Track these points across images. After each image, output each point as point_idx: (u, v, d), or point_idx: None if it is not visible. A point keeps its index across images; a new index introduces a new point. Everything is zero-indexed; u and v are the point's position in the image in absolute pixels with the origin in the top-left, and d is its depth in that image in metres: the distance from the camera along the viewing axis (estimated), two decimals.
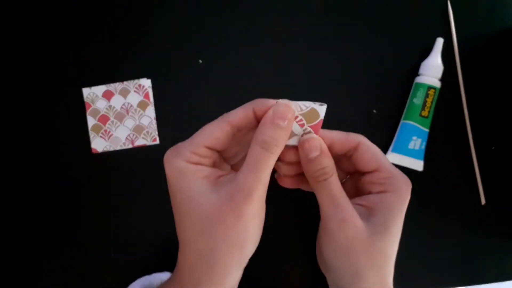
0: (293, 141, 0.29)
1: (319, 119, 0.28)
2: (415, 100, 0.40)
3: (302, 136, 0.29)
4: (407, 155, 0.40)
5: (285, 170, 0.31)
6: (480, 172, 0.40)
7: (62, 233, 0.40)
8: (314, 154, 0.28)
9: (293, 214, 0.40)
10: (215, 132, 0.27)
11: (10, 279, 0.40)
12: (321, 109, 0.28)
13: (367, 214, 0.29)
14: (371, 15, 0.41)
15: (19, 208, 0.40)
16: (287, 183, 0.32)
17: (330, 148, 0.30)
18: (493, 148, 0.41)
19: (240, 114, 0.27)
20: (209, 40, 0.41)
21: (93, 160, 0.40)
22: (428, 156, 0.40)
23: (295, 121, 0.28)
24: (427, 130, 0.40)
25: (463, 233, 0.41)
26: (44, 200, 0.40)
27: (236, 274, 0.28)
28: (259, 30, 0.41)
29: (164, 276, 0.35)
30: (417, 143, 0.39)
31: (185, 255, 0.27)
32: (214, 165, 0.28)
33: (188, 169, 0.26)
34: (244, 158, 0.31)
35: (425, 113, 0.39)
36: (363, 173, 0.31)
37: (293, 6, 0.41)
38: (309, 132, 0.29)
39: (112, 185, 0.40)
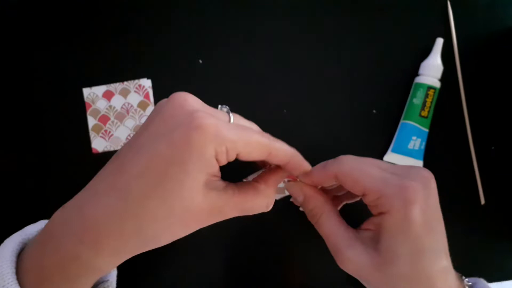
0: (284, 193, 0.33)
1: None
2: (414, 100, 0.40)
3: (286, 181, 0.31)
4: (406, 155, 0.40)
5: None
6: (479, 172, 0.40)
7: None
8: (300, 199, 0.30)
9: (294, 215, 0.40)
10: (254, 152, 0.24)
11: None
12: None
13: (373, 239, 0.27)
14: (370, 15, 0.42)
15: (19, 208, 0.40)
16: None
17: (319, 185, 0.31)
18: (492, 148, 0.41)
19: (280, 157, 0.26)
20: (209, 40, 0.41)
21: (93, 160, 0.40)
22: (428, 156, 0.40)
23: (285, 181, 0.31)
24: (426, 130, 0.40)
25: (462, 233, 0.41)
26: (45, 200, 0.40)
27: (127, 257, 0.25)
28: (259, 30, 0.41)
29: (40, 225, 0.30)
30: (417, 143, 0.39)
31: (124, 219, 0.22)
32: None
33: (209, 161, 0.23)
34: None
35: (424, 113, 0.39)
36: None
37: (293, 6, 0.41)
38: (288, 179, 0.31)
39: None
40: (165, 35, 0.41)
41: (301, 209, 0.33)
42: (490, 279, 0.41)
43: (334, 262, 0.40)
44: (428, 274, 0.26)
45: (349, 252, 0.27)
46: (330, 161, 0.29)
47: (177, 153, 0.22)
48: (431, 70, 0.39)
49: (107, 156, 0.40)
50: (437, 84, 0.40)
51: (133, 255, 0.24)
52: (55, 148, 0.40)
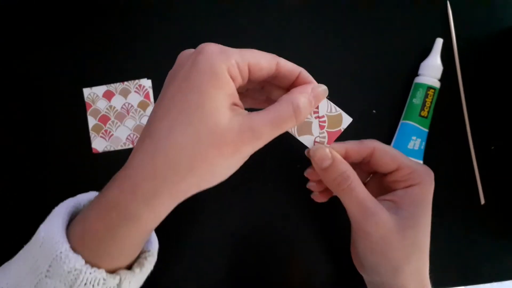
0: (304, 139, 0.30)
1: (338, 128, 0.29)
2: (414, 100, 0.40)
3: (314, 143, 0.30)
4: (406, 155, 0.39)
5: (315, 188, 0.33)
6: (479, 172, 0.41)
7: None
8: (327, 163, 0.29)
9: (293, 214, 0.41)
10: (262, 61, 0.25)
11: None
12: (347, 119, 0.29)
13: (396, 208, 0.30)
14: (370, 15, 0.42)
15: (20, 208, 0.40)
16: (320, 198, 0.34)
17: (345, 158, 0.31)
18: (492, 148, 0.41)
19: (289, 67, 0.27)
20: (209, 40, 0.41)
21: (93, 160, 0.40)
22: (428, 156, 0.40)
23: (318, 119, 0.29)
24: (426, 130, 0.40)
25: (462, 233, 0.41)
26: (45, 200, 0.40)
27: (192, 194, 0.25)
28: (259, 30, 0.41)
29: (91, 195, 0.30)
30: (417, 143, 0.39)
31: (153, 160, 0.23)
32: (239, 88, 0.26)
33: (223, 77, 0.23)
34: (258, 96, 0.31)
35: (424, 113, 0.39)
36: (385, 174, 0.32)
37: (293, 7, 0.41)
38: (323, 138, 0.29)
39: None
40: (165, 35, 0.41)
41: (311, 187, 0.32)
42: (490, 279, 0.41)
43: (333, 261, 0.40)
44: (428, 249, 0.31)
45: (378, 216, 0.28)
46: (364, 140, 0.32)
47: (191, 80, 0.23)
48: (431, 70, 0.39)
49: (107, 156, 0.40)
50: (437, 84, 0.40)
51: (175, 199, 0.24)
52: (56, 148, 0.40)
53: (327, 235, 0.40)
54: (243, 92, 0.30)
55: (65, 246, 0.24)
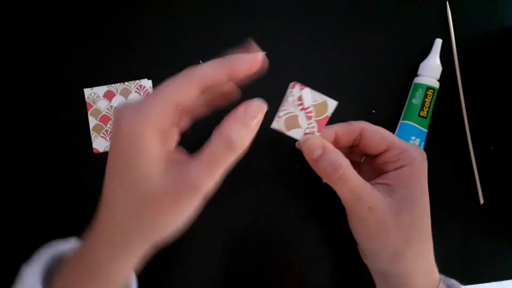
0: (293, 133, 0.29)
1: (326, 114, 0.28)
2: (414, 101, 0.40)
3: (304, 134, 0.29)
4: None
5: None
6: (478, 172, 0.41)
7: (63, 233, 0.40)
8: (318, 152, 0.28)
9: (293, 212, 0.41)
10: (182, 92, 0.23)
11: (10, 279, 0.40)
12: (332, 104, 0.28)
13: (389, 191, 0.29)
14: (369, 15, 0.42)
15: (20, 208, 0.40)
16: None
17: (336, 141, 0.30)
18: (491, 148, 0.41)
19: (210, 75, 0.24)
20: (209, 40, 0.41)
21: (94, 160, 0.40)
22: (427, 156, 0.40)
23: (304, 111, 0.28)
24: (425, 130, 0.40)
25: (461, 233, 0.41)
26: (45, 200, 0.40)
27: (150, 249, 0.26)
28: (259, 30, 0.41)
29: (68, 244, 0.32)
30: (416, 143, 0.40)
31: (107, 223, 0.25)
32: (174, 120, 0.25)
33: (147, 136, 0.22)
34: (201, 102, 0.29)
35: (423, 113, 0.39)
36: (375, 155, 0.31)
37: (292, 7, 0.42)
38: (312, 128, 0.29)
39: None
40: (166, 35, 0.41)
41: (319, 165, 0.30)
42: (490, 279, 0.41)
43: (333, 261, 0.40)
44: (429, 231, 0.30)
45: (373, 200, 0.28)
46: (353, 121, 0.31)
47: (117, 152, 0.24)
48: (430, 70, 0.40)
49: (108, 156, 0.40)
50: (436, 84, 0.40)
51: (132, 254, 0.25)
52: (56, 148, 0.40)
53: (327, 235, 0.40)
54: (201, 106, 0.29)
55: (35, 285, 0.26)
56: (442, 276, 0.31)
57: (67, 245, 0.31)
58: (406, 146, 0.30)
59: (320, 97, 0.28)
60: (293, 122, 0.29)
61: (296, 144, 0.30)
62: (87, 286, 0.25)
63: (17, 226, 0.40)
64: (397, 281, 0.30)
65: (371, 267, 0.34)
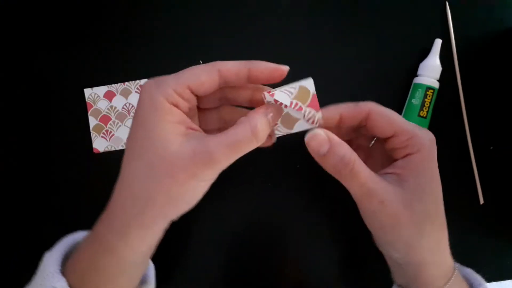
0: (298, 127, 0.28)
1: (311, 95, 0.27)
2: (413, 101, 0.40)
3: (307, 121, 0.28)
4: None
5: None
6: (478, 172, 0.41)
7: (63, 233, 0.40)
8: (325, 148, 0.27)
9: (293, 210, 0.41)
10: (202, 76, 0.26)
11: (10, 279, 0.40)
12: (309, 83, 0.27)
13: (399, 181, 0.28)
14: (369, 16, 0.42)
15: (20, 208, 0.40)
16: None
17: (341, 122, 0.29)
18: (491, 148, 0.41)
19: (233, 67, 0.26)
20: (209, 40, 0.41)
21: (94, 160, 0.40)
22: None
23: (290, 107, 0.27)
24: None
25: (461, 233, 0.41)
26: (46, 200, 0.40)
27: (163, 225, 0.27)
28: (259, 30, 0.41)
29: (82, 234, 0.33)
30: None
31: (122, 195, 0.26)
32: (189, 110, 0.27)
33: (163, 107, 0.25)
34: (218, 119, 0.31)
35: (423, 113, 0.39)
36: (384, 140, 0.30)
37: (293, 7, 0.42)
38: (310, 113, 0.27)
39: (113, 185, 0.40)
40: (166, 35, 0.41)
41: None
42: (489, 279, 0.41)
43: (333, 261, 0.40)
44: (443, 217, 0.29)
45: (383, 194, 0.27)
46: (361, 102, 0.30)
47: (138, 118, 0.25)
48: (430, 70, 0.40)
49: (108, 156, 0.40)
50: (436, 84, 0.40)
51: (146, 230, 0.26)
52: (57, 148, 0.40)
53: (327, 235, 0.40)
54: (211, 110, 0.31)
55: (54, 267, 0.27)
56: (458, 264, 0.31)
57: (86, 234, 0.31)
58: (415, 131, 0.28)
59: (294, 87, 0.27)
60: (289, 119, 0.28)
61: (305, 139, 0.29)
62: (99, 263, 0.26)
63: (17, 226, 0.40)
64: (412, 270, 0.30)
65: (387, 255, 0.33)
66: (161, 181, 0.24)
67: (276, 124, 0.28)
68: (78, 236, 0.32)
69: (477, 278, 0.32)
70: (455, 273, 0.30)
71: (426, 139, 0.28)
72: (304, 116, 0.28)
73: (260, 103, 0.28)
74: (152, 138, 0.24)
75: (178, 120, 0.25)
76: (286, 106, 0.27)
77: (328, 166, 0.28)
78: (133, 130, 0.26)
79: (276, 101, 0.27)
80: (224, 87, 0.28)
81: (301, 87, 0.27)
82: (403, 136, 0.28)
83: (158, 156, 0.24)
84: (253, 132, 0.24)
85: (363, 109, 0.29)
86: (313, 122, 0.28)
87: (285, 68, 0.27)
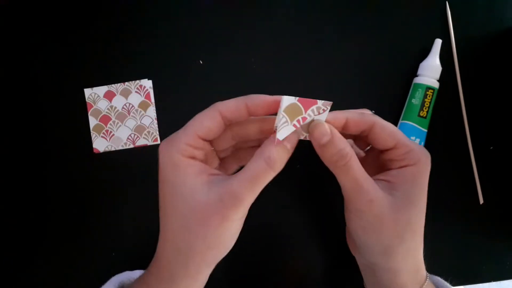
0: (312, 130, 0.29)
1: (298, 104, 0.27)
2: (413, 101, 0.40)
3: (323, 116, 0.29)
4: None
5: None
6: (478, 172, 0.41)
7: (63, 233, 0.40)
8: (326, 138, 0.28)
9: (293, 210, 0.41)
10: (205, 121, 0.27)
11: (10, 279, 0.40)
12: (286, 101, 0.26)
13: (390, 188, 0.29)
14: (369, 16, 0.42)
15: (20, 208, 0.40)
16: None
17: (345, 128, 0.30)
18: (491, 148, 0.41)
19: (231, 106, 0.28)
20: (209, 40, 0.41)
21: (94, 160, 0.40)
22: None
23: (299, 126, 0.28)
24: (425, 130, 0.40)
25: (461, 233, 0.41)
26: (46, 200, 0.40)
27: (208, 271, 0.29)
28: (259, 30, 0.42)
29: (135, 274, 0.34)
30: (416, 143, 0.40)
31: (165, 249, 0.28)
32: (206, 157, 0.29)
33: (181, 162, 0.26)
34: (234, 157, 0.33)
35: (423, 113, 0.39)
36: (381, 151, 0.31)
37: (293, 7, 0.42)
38: (317, 109, 0.28)
39: (114, 185, 0.40)
40: (166, 35, 0.41)
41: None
42: (489, 279, 0.41)
43: (332, 261, 0.40)
44: (422, 230, 0.30)
45: (372, 194, 0.28)
46: (366, 113, 0.31)
47: (163, 178, 0.27)
48: (430, 70, 0.40)
49: (108, 156, 0.41)
50: (435, 84, 0.40)
51: (192, 279, 0.28)
52: (57, 148, 0.40)
53: (327, 235, 0.40)
54: (228, 153, 0.33)
55: None
56: (426, 273, 0.32)
57: (134, 274, 0.33)
58: (413, 146, 0.30)
59: (281, 114, 0.27)
60: (306, 125, 0.29)
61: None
62: None
63: (17, 226, 0.40)
64: (386, 276, 0.31)
65: (360, 260, 0.34)
66: (196, 230, 0.26)
67: (303, 135, 0.30)
68: (126, 276, 0.33)
69: (444, 284, 0.33)
70: (427, 282, 0.31)
71: (424, 155, 0.30)
72: (313, 119, 0.28)
73: (271, 132, 0.30)
74: (179, 193, 0.26)
75: (198, 170, 0.27)
76: (295, 126, 0.28)
77: (326, 156, 0.29)
78: (161, 190, 0.28)
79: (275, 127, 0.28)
80: (232, 124, 0.29)
81: (285, 110, 0.27)
82: (403, 149, 0.29)
83: (189, 207, 0.26)
84: (267, 163, 0.26)
85: (369, 119, 0.30)
86: (323, 110, 0.28)
87: (279, 98, 0.28)
